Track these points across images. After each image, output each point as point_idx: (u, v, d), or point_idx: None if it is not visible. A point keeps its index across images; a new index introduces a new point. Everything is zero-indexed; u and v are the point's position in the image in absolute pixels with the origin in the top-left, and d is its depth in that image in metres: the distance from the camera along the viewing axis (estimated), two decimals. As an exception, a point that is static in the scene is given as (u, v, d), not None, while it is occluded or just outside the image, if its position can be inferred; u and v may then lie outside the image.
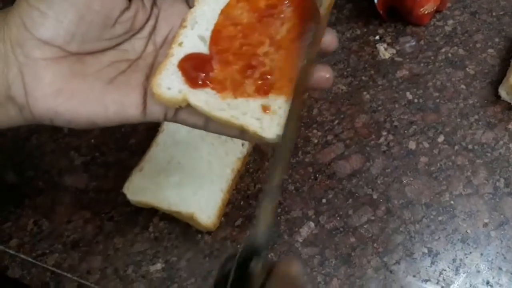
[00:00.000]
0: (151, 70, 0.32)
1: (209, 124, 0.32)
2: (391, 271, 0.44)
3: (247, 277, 0.25)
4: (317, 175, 0.48)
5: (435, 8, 0.55)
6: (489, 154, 0.49)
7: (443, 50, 0.55)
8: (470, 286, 0.43)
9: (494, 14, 0.57)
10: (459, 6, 0.57)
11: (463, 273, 0.43)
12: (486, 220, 0.46)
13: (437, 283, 0.43)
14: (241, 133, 0.30)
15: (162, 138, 0.47)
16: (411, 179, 0.48)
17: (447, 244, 0.45)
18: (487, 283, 0.43)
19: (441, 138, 0.50)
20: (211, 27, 0.31)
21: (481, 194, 0.47)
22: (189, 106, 0.30)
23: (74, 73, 0.30)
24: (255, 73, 0.30)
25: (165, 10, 0.33)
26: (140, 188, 0.45)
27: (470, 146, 0.49)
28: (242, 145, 0.48)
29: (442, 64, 0.54)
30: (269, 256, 0.44)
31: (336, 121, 0.51)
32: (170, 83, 0.30)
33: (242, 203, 0.47)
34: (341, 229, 0.46)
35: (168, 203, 0.44)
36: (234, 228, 0.46)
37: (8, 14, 0.29)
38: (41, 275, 0.44)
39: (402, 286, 0.43)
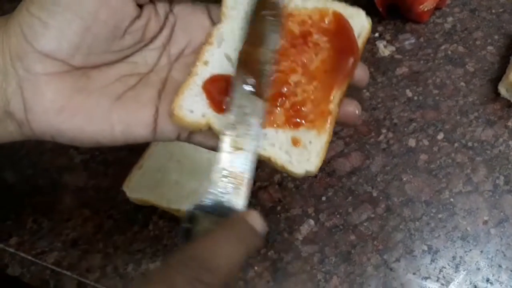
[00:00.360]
0: (164, 85, 0.29)
1: None
2: (391, 269, 0.44)
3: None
4: (317, 173, 0.48)
5: (434, 5, 0.55)
6: (488, 152, 0.49)
7: (442, 47, 0.55)
8: (470, 283, 0.43)
9: (493, 11, 0.57)
10: (458, 3, 0.57)
11: (463, 271, 0.43)
12: (486, 218, 0.46)
13: (437, 280, 0.43)
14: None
15: (161, 136, 0.47)
16: (411, 176, 0.48)
17: (447, 242, 0.45)
18: (487, 280, 0.43)
19: (440, 136, 0.50)
20: (239, 46, 0.29)
21: (480, 191, 0.47)
22: (209, 129, 0.28)
23: (78, 89, 0.27)
24: (286, 102, 0.28)
25: (183, 19, 0.30)
26: (140, 186, 0.45)
27: (469, 144, 0.49)
28: (242, 143, 0.48)
29: (441, 61, 0.54)
30: (269, 253, 0.44)
31: (336, 119, 0.51)
32: (193, 106, 0.28)
33: (241, 201, 0.47)
34: (341, 227, 0.46)
35: (168, 201, 0.44)
36: (234, 226, 0.46)
37: (8, 22, 0.27)
38: (40, 273, 0.44)
39: (402, 284, 0.43)
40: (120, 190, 0.45)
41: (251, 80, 0.27)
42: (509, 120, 0.50)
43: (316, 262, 0.44)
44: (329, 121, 0.28)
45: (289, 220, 0.46)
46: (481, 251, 0.44)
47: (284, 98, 0.28)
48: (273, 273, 0.44)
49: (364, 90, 0.52)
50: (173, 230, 0.46)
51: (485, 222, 0.46)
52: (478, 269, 0.43)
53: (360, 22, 0.30)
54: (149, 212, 0.46)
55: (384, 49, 0.55)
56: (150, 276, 0.26)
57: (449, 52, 0.54)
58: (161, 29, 0.30)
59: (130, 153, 0.49)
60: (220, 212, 0.27)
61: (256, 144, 0.28)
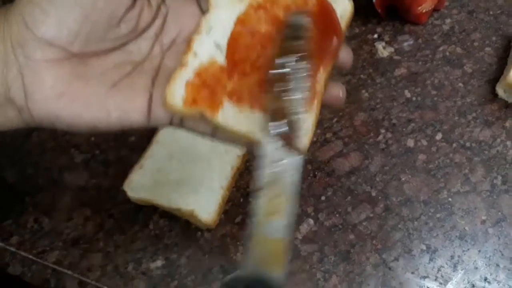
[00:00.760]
0: (157, 73, 0.30)
1: (217, 132, 0.31)
2: (389, 268, 0.44)
3: None
4: (316, 173, 0.49)
5: (433, 7, 0.55)
6: (486, 152, 0.49)
7: (441, 48, 0.55)
8: (468, 282, 0.43)
9: (491, 13, 0.57)
10: (456, 5, 0.58)
11: (461, 270, 0.44)
12: (483, 217, 0.46)
13: (435, 279, 0.43)
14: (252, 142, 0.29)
15: (162, 136, 0.48)
16: (410, 176, 0.48)
17: (445, 241, 0.45)
18: (485, 279, 0.43)
19: (439, 136, 0.50)
20: (227, 34, 0.29)
21: (478, 191, 0.47)
22: (202, 116, 0.29)
23: (77, 76, 0.28)
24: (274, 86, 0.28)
25: (174, 10, 0.31)
26: (140, 186, 0.45)
27: (467, 144, 0.50)
28: (242, 143, 0.48)
29: (440, 62, 0.54)
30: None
31: (335, 119, 0.51)
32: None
33: (241, 200, 0.47)
34: (340, 226, 0.46)
35: (168, 200, 0.44)
36: (234, 225, 0.46)
37: (9, 11, 0.28)
38: (41, 272, 0.45)
39: (401, 283, 0.43)
40: (121, 189, 0.45)
41: (283, 126, 0.27)
42: (507, 121, 0.51)
43: (315, 261, 0.44)
44: (316, 101, 0.29)
45: (289, 219, 0.46)
46: (479, 251, 0.45)
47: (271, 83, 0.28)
48: (272, 272, 0.44)
49: (363, 91, 0.53)
50: (173, 229, 0.46)
51: (483, 222, 0.46)
52: (476, 268, 0.44)
53: (342, 5, 0.30)
54: (149, 212, 0.47)
55: (383, 50, 0.55)
56: None
57: (447, 53, 0.55)
58: (153, 19, 0.31)
59: (130, 153, 0.49)
60: (259, 282, 0.26)
61: (293, 205, 0.27)
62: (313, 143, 0.50)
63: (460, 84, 0.53)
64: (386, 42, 0.56)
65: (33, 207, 0.48)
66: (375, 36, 0.56)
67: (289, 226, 0.26)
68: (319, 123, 0.51)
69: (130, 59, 0.30)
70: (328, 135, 0.50)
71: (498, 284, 0.43)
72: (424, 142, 0.50)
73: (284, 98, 0.27)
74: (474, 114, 0.51)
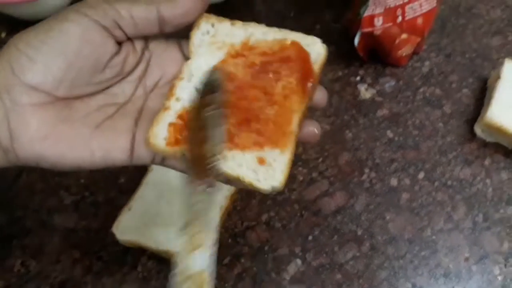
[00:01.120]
0: (140, 114, 0.32)
1: None
2: (376, 307, 0.44)
3: None
4: (303, 212, 0.49)
5: (412, 50, 0.58)
6: (467, 190, 0.51)
7: (421, 90, 0.58)
8: (454, 320, 0.44)
9: (467, 56, 0.60)
10: (434, 48, 0.61)
11: (447, 308, 0.44)
12: (467, 255, 0.47)
13: (422, 318, 0.44)
14: (230, 181, 0.31)
15: (151, 177, 0.48)
16: (394, 215, 0.49)
17: (430, 279, 0.46)
18: (470, 317, 0.44)
19: (421, 175, 0.52)
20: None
21: (461, 229, 0.49)
22: (183, 156, 0.30)
23: (61, 119, 0.29)
24: (251, 126, 0.30)
25: (157, 55, 0.33)
26: (129, 228, 0.45)
27: (449, 182, 0.51)
28: (230, 183, 0.49)
29: (420, 103, 0.57)
30: (257, 293, 0.45)
31: (320, 159, 0.53)
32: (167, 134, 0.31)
33: (229, 241, 0.48)
34: (327, 266, 0.47)
35: (156, 242, 0.45)
36: (222, 266, 0.46)
37: None
38: (28, 317, 0.44)
39: (387, 322, 0.44)
40: (110, 231, 0.45)
41: (202, 186, 0.29)
42: (486, 159, 0.53)
43: (303, 302, 0.45)
44: (291, 140, 0.30)
45: (277, 260, 0.47)
46: (464, 288, 0.46)
47: (248, 123, 0.30)
48: (261, 313, 0.44)
49: (347, 131, 0.54)
50: (161, 271, 0.46)
51: (467, 259, 0.47)
52: (461, 306, 0.45)
53: (316, 50, 0.32)
54: (138, 253, 0.47)
55: (365, 92, 0.57)
56: None
57: (427, 95, 0.57)
58: (137, 63, 0.32)
59: (120, 195, 0.50)
60: None
61: (215, 237, 0.29)
62: (299, 183, 0.51)
63: (440, 124, 0.55)
64: (368, 84, 0.58)
65: (21, 250, 0.48)
66: (358, 78, 0.58)
67: (211, 257, 0.28)
68: (305, 163, 0.52)
69: (114, 101, 0.32)
70: (314, 174, 0.52)
71: (483, 322, 0.44)
72: (407, 181, 0.51)
73: (203, 144, 0.29)
74: (454, 153, 0.53)
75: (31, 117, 0.29)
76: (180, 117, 0.31)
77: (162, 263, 0.46)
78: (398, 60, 0.58)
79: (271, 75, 0.31)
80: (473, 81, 0.58)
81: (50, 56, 0.29)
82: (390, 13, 0.54)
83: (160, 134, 0.30)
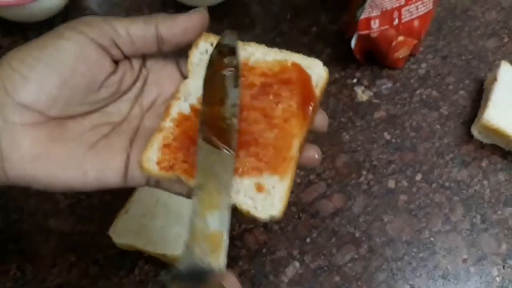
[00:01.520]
0: (136, 134, 0.31)
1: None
2: (375, 309, 0.44)
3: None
4: (301, 215, 0.49)
5: (409, 52, 0.58)
6: (465, 191, 0.51)
7: (418, 92, 0.58)
8: (453, 322, 0.44)
9: (463, 58, 0.60)
10: (431, 50, 0.61)
11: (445, 310, 0.44)
12: (465, 256, 0.47)
13: (420, 320, 0.44)
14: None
15: (148, 180, 0.48)
16: (392, 217, 0.49)
17: (429, 281, 0.46)
18: (469, 319, 0.44)
19: (419, 177, 0.52)
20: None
21: (459, 230, 0.49)
22: (177, 178, 0.29)
23: (54, 139, 0.29)
24: (249, 150, 0.29)
25: (154, 73, 0.32)
26: (126, 231, 0.45)
27: (446, 184, 0.51)
28: (227, 186, 0.49)
29: (417, 105, 0.57)
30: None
31: (318, 161, 0.53)
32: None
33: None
34: (326, 268, 0.46)
35: (154, 245, 0.44)
36: (220, 269, 0.46)
37: None
38: (23, 322, 0.44)
39: (386, 324, 0.44)
40: (106, 234, 0.45)
41: (216, 140, 0.29)
42: (483, 161, 0.53)
43: (301, 304, 0.44)
44: (291, 166, 0.29)
45: (275, 262, 0.47)
46: (462, 290, 0.46)
47: (247, 147, 0.29)
48: (259, 316, 0.44)
49: (344, 134, 0.54)
50: (158, 274, 0.46)
51: (465, 261, 0.47)
52: (460, 308, 0.44)
53: (317, 72, 0.31)
54: (135, 257, 0.46)
55: (362, 94, 0.57)
56: None
57: (424, 96, 0.57)
58: (134, 82, 0.32)
59: (116, 198, 0.50)
60: (199, 276, 0.27)
61: (229, 200, 0.28)
62: (297, 185, 0.51)
63: (437, 126, 0.55)
64: (365, 86, 0.58)
65: (17, 254, 0.47)
66: (354, 80, 0.58)
67: (225, 218, 0.28)
68: (303, 165, 0.52)
69: (109, 120, 0.31)
70: (312, 177, 0.52)
71: (482, 324, 0.44)
72: (405, 183, 0.51)
73: (220, 105, 0.29)
74: (451, 155, 0.53)
75: (22, 137, 0.28)
76: (175, 138, 0.30)
77: (160, 266, 0.46)
78: (394, 62, 0.58)
79: (271, 97, 0.30)
80: (469, 83, 0.58)
81: (44, 74, 0.28)
82: (386, 15, 0.54)
83: (153, 158, 0.29)
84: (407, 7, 0.54)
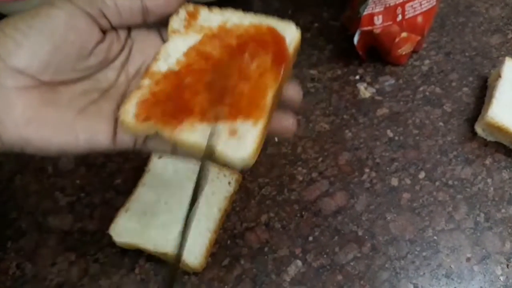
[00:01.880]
0: (123, 99, 0.32)
1: (177, 149, 0.33)
2: (378, 309, 0.44)
3: None
4: (303, 213, 0.49)
5: (412, 49, 0.57)
6: (468, 190, 0.50)
7: (421, 88, 0.57)
8: (456, 321, 0.43)
9: (467, 54, 0.59)
10: (434, 46, 0.60)
11: (449, 309, 0.44)
12: (468, 255, 0.47)
13: (424, 319, 0.43)
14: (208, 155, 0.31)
15: (148, 178, 0.48)
16: (395, 215, 0.49)
17: (432, 280, 0.46)
18: (472, 318, 0.43)
19: (422, 175, 0.51)
20: (184, 60, 0.32)
21: (462, 229, 0.48)
22: (157, 134, 0.31)
23: (46, 102, 0.30)
24: (225, 100, 0.31)
25: (139, 42, 0.34)
26: (126, 229, 0.45)
27: (450, 182, 0.51)
28: (229, 183, 0.48)
29: (420, 102, 0.56)
30: (257, 296, 0.44)
31: (320, 159, 0.52)
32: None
33: (229, 242, 0.47)
34: (328, 267, 0.46)
35: (154, 244, 0.44)
36: (221, 268, 0.46)
37: None
38: (23, 321, 0.43)
39: (389, 324, 0.43)
40: (106, 233, 0.45)
41: None
42: (487, 159, 0.52)
43: (304, 304, 0.44)
44: (264, 113, 0.30)
45: (277, 261, 0.46)
46: (466, 289, 0.45)
47: (222, 97, 0.31)
48: (261, 315, 0.43)
49: (347, 131, 0.54)
50: (159, 273, 0.45)
51: (468, 260, 0.47)
52: (463, 307, 0.44)
53: (291, 33, 0.33)
54: (135, 256, 0.46)
55: (365, 91, 0.57)
56: None
57: (427, 93, 0.57)
58: (121, 51, 0.33)
59: (116, 196, 0.49)
60: None
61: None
62: (299, 183, 0.50)
63: (441, 123, 0.55)
64: (368, 83, 0.57)
65: (16, 253, 0.47)
66: (357, 77, 0.58)
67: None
68: (305, 163, 0.52)
69: (98, 87, 0.32)
70: (314, 174, 0.51)
71: (486, 323, 0.43)
72: (408, 181, 0.51)
73: None
74: (455, 153, 0.53)
75: (16, 100, 0.29)
76: (152, 94, 0.31)
77: (160, 265, 0.46)
78: (397, 59, 0.58)
79: (246, 55, 0.32)
80: (473, 79, 0.58)
81: (37, 40, 0.29)
82: (390, 11, 0.53)
83: (131, 111, 0.31)
84: (410, 3, 0.53)
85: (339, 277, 0.45)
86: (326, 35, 0.61)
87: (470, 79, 0.58)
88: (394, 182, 0.51)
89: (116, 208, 0.46)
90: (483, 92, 0.56)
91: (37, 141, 0.29)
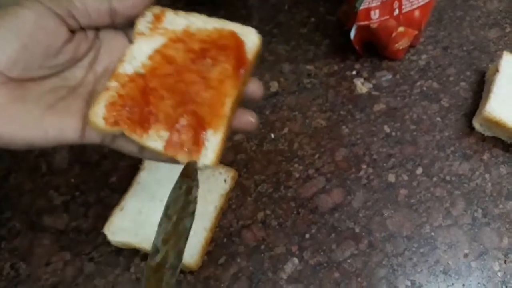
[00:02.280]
0: (91, 97, 0.34)
1: (144, 151, 0.34)
2: (375, 306, 0.44)
3: None
4: (300, 210, 0.48)
5: (409, 43, 0.57)
6: (466, 185, 0.50)
7: (418, 83, 0.57)
8: (454, 318, 0.43)
9: (464, 48, 0.59)
10: (431, 41, 0.60)
11: (447, 306, 0.44)
12: (466, 251, 0.47)
13: (421, 316, 0.43)
14: (173, 159, 0.33)
15: (143, 176, 0.47)
16: (392, 211, 0.48)
17: (430, 276, 0.45)
18: (470, 315, 0.43)
19: (419, 170, 0.51)
20: (148, 63, 0.34)
21: (460, 225, 0.48)
22: (123, 134, 0.32)
23: (14, 99, 0.30)
24: (187, 108, 0.32)
25: (107, 42, 0.35)
26: (121, 228, 0.44)
27: (447, 178, 0.50)
28: (225, 181, 0.48)
29: (417, 97, 0.56)
30: (254, 294, 0.44)
31: (317, 155, 0.52)
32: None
33: (225, 240, 0.47)
34: (325, 265, 0.46)
35: (149, 243, 0.43)
36: (217, 267, 0.45)
37: None
38: (18, 321, 0.43)
39: (387, 321, 0.43)
40: (101, 232, 0.44)
41: None
42: (484, 154, 0.52)
43: (301, 302, 0.44)
44: (223, 122, 0.32)
45: (273, 259, 0.46)
46: (463, 285, 0.45)
47: (185, 105, 0.33)
48: (258, 314, 0.43)
49: (343, 127, 0.53)
50: (155, 272, 0.45)
51: (466, 256, 0.46)
52: (461, 303, 0.44)
53: (251, 39, 0.34)
54: (130, 254, 0.46)
55: (362, 86, 0.56)
56: None
57: (424, 88, 0.56)
58: (88, 51, 0.35)
59: (111, 194, 0.49)
60: None
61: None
62: (295, 180, 0.50)
63: (438, 119, 0.54)
64: (365, 78, 0.57)
65: (10, 253, 0.46)
66: (354, 72, 0.57)
67: None
68: (301, 159, 0.51)
69: (66, 84, 0.33)
70: (311, 171, 0.51)
71: (484, 320, 0.43)
72: (405, 177, 0.50)
73: None
74: (452, 148, 0.52)
75: None
76: (120, 97, 0.32)
77: (156, 264, 0.45)
78: (394, 54, 0.57)
79: (208, 61, 0.33)
80: (470, 74, 0.57)
81: (5, 39, 0.30)
82: (386, 6, 0.52)
83: (100, 113, 0.32)
84: (407, -3, 0.53)
85: (336, 274, 0.45)
86: (322, 30, 0.60)
87: (468, 73, 0.57)
88: (391, 178, 0.50)
89: (111, 207, 0.46)
90: (480, 87, 0.56)
91: (4, 135, 0.30)
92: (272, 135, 0.53)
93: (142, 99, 0.32)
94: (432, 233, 0.47)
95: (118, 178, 0.50)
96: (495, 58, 0.57)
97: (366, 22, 0.53)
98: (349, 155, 0.52)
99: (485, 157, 0.52)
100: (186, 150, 0.32)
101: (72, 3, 0.32)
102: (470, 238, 0.47)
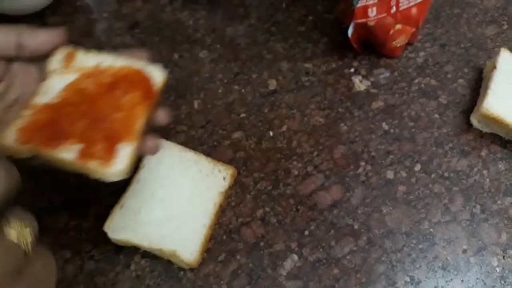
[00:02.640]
0: (1, 124, 0.35)
1: (51, 163, 0.35)
2: (374, 302, 0.44)
3: None
4: (299, 207, 0.49)
5: (406, 41, 0.57)
6: (464, 181, 0.50)
7: (416, 81, 0.57)
8: (453, 313, 0.43)
9: (462, 45, 0.59)
10: (429, 38, 0.60)
11: (445, 301, 0.44)
12: (465, 247, 0.47)
13: (420, 312, 0.43)
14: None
15: (142, 175, 0.47)
16: (391, 208, 0.49)
17: (429, 272, 0.46)
18: (469, 310, 0.43)
19: (417, 167, 0.51)
20: (61, 95, 0.36)
21: (459, 221, 0.48)
22: (34, 156, 0.34)
23: None
24: (101, 127, 0.35)
25: (19, 73, 0.37)
26: (121, 226, 0.44)
27: (446, 174, 0.51)
28: (224, 178, 0.48)
29: (415, 94, 0.56)
30: (253, 291, 0.44)
31: (315, 153, 0.52)
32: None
33: (224, 237, 0.47)
34: (324, 261, 0.46)
35: (150, 240, 0.44)
36: (217, 263, 0.45)
37: None
38: (19, 319, 0.43)
39: (386, 317, 0.43)
40: (101, 230, 0.44)
41: None
42: (482, 150, 0.52)
43: (300, 298, 0.44)
44: (135, 136, 0.35)
45: (273, 255, 0.46)
46: (462, 280, 0.45)
47: (98, 125, 0.35)
48: (257, 310, 0.43)
49: (342, 124, 0.54)
50: (155, 269, 0.45)
51: (465, 251, 0.47)
52: (460, 299, 0.44)
53: (157, 75, 0.38)
54: (131, 252, 0.46)
55: (360, 84, 0.56)
56: None
57: (423, 86, 0.56)
58: (0, 81, 0.36)
59: (111, 192, 0.49)
60: None
61: None
62: (294, 177, 0.50)
63: (436, 115, 0.54)
64: (363, 76, 0.57)
65: (11, 251, 0.46)
66: (352, 70, 0.57)
67: None
68: (300, 157, 0.51)
69: None
70: (309, 168, 0.51)
71: (482, 315, 0.43)
72: (404, 174, 0.51)
73: None
74: (450, 145, 0.52)
75: None
76: (33, 122, 0.35)
77: (156, 261, 0.45)
78: (392, 51, 0.57)
79: (119, 92, 0.36)
80: (468, 71, 0.57)
81: None
82: (384, 3, 0.53)
83: (11, 136, 0.34)
84: (404, -6, 0.53)
85: (335, 271, 0.45)
86: (320, 28, 0.61)
87: (466, 70, 0.57)
88: (390, 175, 0.51)
89: (111, 205, 0.46)
90: (478, 84, 0.56)
91: None
92: (271, 133, 0.53)
93: (55, 122, 0.35)
94: (431, 229, 0.48)
95: (117, 177, 0.50)
96: (492, 55, 0.57)
97: (363, 20, 0.53)
98: (347, 152, 0.52)
99: (483, 153, 0.52)
100: (98, 159, 0.35)
101: None
102: (469, 234, 0.47)
